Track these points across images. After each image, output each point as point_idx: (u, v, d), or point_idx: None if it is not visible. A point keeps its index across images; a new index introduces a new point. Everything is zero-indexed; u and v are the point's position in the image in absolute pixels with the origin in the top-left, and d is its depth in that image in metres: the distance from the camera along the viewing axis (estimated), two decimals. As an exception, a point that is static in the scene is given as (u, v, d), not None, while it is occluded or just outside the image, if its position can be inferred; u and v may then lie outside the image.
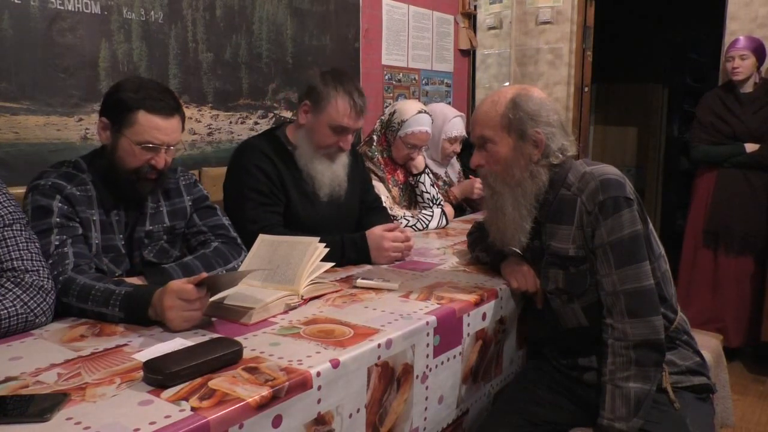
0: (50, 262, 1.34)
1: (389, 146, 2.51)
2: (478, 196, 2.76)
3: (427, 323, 1.33)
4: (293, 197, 1.91)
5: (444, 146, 2.76)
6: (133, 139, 1.46)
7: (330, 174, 1.93)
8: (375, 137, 2.53)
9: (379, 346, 1.20)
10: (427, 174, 2.56)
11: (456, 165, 2.95)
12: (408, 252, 1.89)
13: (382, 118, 2.56)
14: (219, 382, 1.00)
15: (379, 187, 2.39)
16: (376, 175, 2.46)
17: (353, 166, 2.08)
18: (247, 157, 1.89)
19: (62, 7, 2.14)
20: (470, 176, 2.93)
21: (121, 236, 1.55)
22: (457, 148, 2.79)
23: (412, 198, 2.60)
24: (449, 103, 4.11)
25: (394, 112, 2.51)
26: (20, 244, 1.29)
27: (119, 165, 1.49)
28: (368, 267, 1.81)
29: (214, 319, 1.31)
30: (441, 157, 2.80)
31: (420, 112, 2.46)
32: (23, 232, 1.32)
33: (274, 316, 1.35)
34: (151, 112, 1.45)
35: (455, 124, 2.73)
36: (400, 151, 2.48)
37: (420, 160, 2.54)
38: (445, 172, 2.87)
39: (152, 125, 1.45)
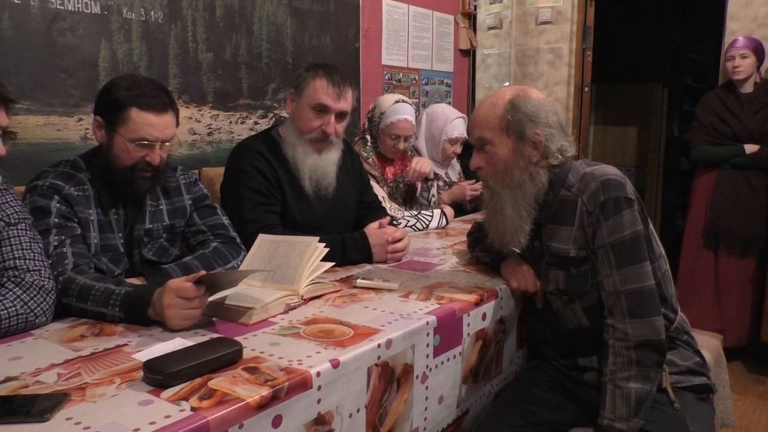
0: (49, 262, 1.34)
1: (376, 142, 2.52)
2: (472, 197, 2.76)
3: (427, 323, 1.33)
4: (289, 196, 1.90)
5: (445, 147, 2.76)
6: (126, 136, 1.46)
7: (311, 162, 1.90)
8: (367, 137, 2.53)
9: (379, 346, 1.20)
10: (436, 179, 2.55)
11: (456, 166, 2.96)
12: (406, 249, 1.90)
13: (367, 114, 2.57)
14: (219, 382, 1.00)
15: (377, 189, 2.39)
16: (373, 176, 2.46)
17: (349, 165, 2.08)
18: (244, 157, 1.89)
19: (62, 7, 2.14)
20: (462, 180, 2.94)
21: (120, 235, 1.55)
22: (458, 149, 2.79)
23: (407, 198, 2.61)
24: (449, 103, 4.11)
25: (374, 106, 2.52)
26: (23, 244, 1.29)
27: (115, 163, 1.49)
28: (368, 267, 1.81)
29: (214, 318, 1.31)
30: (442, 158, 2.80)
31: (398, 101, 2.46)
32: (27, 232, 1.32)
33: (274, 316, 1.35)
34: (144, 109, 1.45)
35: (456, 126, 2.73)
36: (385, 145, 2.49)
37: (427, 165, 2.52)
38: (446, 173, 2.87)
39: (145, 122, 1.45)
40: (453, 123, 2.73)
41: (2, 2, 2.00)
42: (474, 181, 2.84)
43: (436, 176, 2.83)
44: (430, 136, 2.79)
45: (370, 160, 2.49)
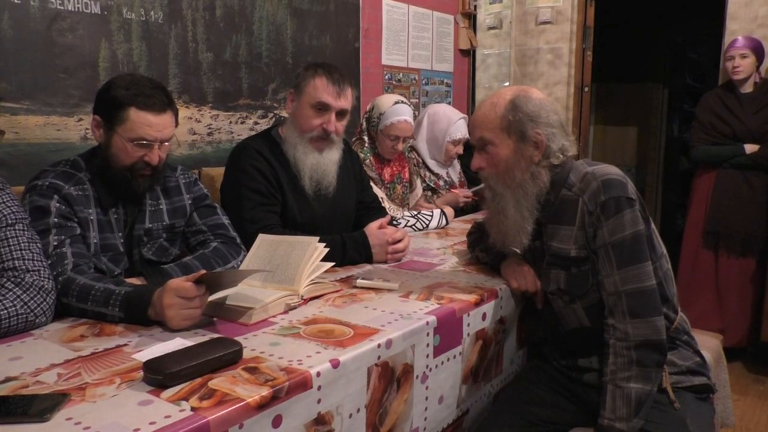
0: (49, 262, 1.34)
1: (374, 143, 2.52)
2: (465, 204, 2.77)
3: (427, 323, 1.33)
4: (289, 197, 1.90)
5: (448, 148, 2.76)
6: (125, 136, 1.46)
7: (312, 161, 1.90)
8: (365, 137, 2.53)
9: (379, 346, 1.20)
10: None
11: (457, 166, 2.96)
12: (406, 250, 1.90)
13: (365, 115, 2.56)
14: (219, 382, 1.00)
15: (375, 190, 2.39)
16: (370, 177, 2.45)
17: (348, 165, 2.08)
18: (244, 157, 1.89)
19: (62, 7, 2.14)
20: (462, 180, 2.94)
21: (119, 234, 1.55)
22: (460, 150, 2.80)
23: (404, 201, 2.61)
24: (449, 103, 4.11)
25: (372, 107, 2.52)
26: (22, 244, 1.29)
27: (113, 162, 1.49)
28: (368, 267, 1.81)
29: (214, 318, 1.31)
30: (444, 159, 2.81)
31: (397, 102, 2.46)
32: (25, 232, 1.32)
33: (274, 316, 1.35)
34: (143, 108, 1.45)
35: (459, 127, 2.74)
36: (384, 146, 2.49)
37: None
38: (447, 173, 2.87)
39: (144, 122, 1.45)
40: (456, 124, 2.73)
41: (2, 2, 2.00)
42: (466, 188, 2.86)
43: (437, 176, 2.83)
44: (432, 137, 2.79)
45: (368, 161, 2.49)
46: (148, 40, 2.40)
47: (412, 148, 2.83)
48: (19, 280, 1.24)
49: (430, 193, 2.80)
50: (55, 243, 1.39)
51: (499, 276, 1.67)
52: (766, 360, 3.11)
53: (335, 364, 1.10)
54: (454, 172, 2.92)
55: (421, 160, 2.83)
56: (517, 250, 1.56)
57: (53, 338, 1.20)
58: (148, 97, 1.46)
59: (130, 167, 1.49)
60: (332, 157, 1.94)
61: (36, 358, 1.10)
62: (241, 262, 1.62)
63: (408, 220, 2.38)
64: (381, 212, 2.18)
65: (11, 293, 1.22)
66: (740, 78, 3.07)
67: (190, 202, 1.69)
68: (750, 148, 3.03)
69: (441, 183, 2.82)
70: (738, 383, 2.88)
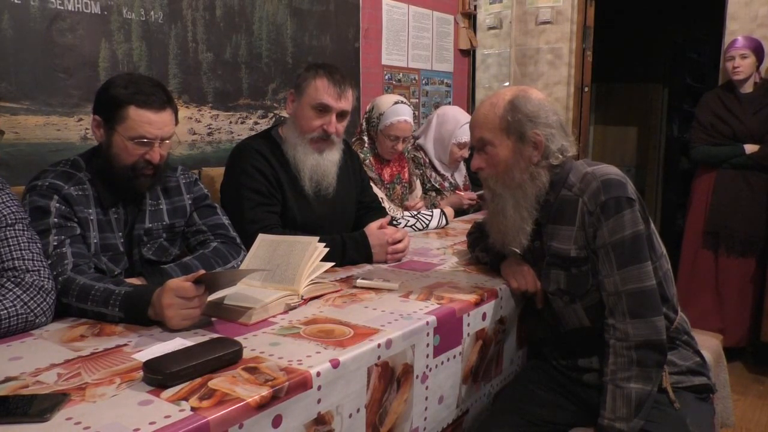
0: (49, 262, 1.34)
1: (374, 143, 2.52)
2: (468, 206, 2.77)
3: (427, 323, 1.33)
4: (289, 197, 1.91)
5: (453, 150, 2.76)
6: (125, 134, 1.46)
7: (312, 162, 1.90)
8: (365, 138, 2.53)
9: (379, 346, 1.20)
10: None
11: (462, 169, 2.96)
12: (406, 250, 1.90)
13: (365, 116, 2.57)
14: (219, 382, 1.00)
15: (375, 190, 2.39)
16: (370, 177, 2.45)
17: (348, 165, 2.08)
18: (244, 157, 1.89)
19: (62, 7, 2.15)
20: (467, 183, 2.95)
21: (120, 234, 1.55)
22: (466, 153, 2.80)
23: (403, 201, 2.61)
24: (449, 103, 4.11)
25: (372, 108, 2.52)
26: (22, 244, 1.29)
27: (115, 162, 1.49)
28: (368, 267, 1.81)
29: (213, 318, 1.31)
30: (449, 161, 2.81)
31: (396, 102, 2.46)
32: (25, 232, 1.32)
33: (274, 316, 1.35)
34: (142, 106, 1.45)
35: (466, 130, 2.73)
36: (383, 146, 2.49)
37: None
38: (451, 175, 2.88)
39: (144, 120, 1.45)
40: (463, 128, 2.73)
41: (2, 2, 2.00)
42: (470, 190, 2.87)
43: (443, 177, 2.83)
44: (439, 138, 2.79)
45: (368, 161, 2.49)
46: (148, 40, 2.40)
47: (420, 147, 2.83)
48: (19, 280, 1.24)
49: (434, 194, 2.80)
50: (55, 243, 1.39)
51: (499, 276, 1.67)
52: (766, 360, 3.11)
53: (335, 364, 1.10)
54: (460, 176, 2.92)
55: (428, 160, 2.83)
56: (517, 251, 1.56)
57: (53, 338, 1.20)
58: (147, 95, 1.46)
59: (132, 166, 1.49)
60: (332, 158, 1.94)
61: (36, 358, 1.10)
62: (241, 262, 1.62)
63: (408, 220, 2.38)
64: (381, 212, 2.18)
65: (11, 293, 1.22)
66: (740, 78, 3.07)
67: (190, 202, 1.69)
68: (750, 148, 3.03)
69: (446, 185, 2.83)
70: (738, 383, 2.88)
